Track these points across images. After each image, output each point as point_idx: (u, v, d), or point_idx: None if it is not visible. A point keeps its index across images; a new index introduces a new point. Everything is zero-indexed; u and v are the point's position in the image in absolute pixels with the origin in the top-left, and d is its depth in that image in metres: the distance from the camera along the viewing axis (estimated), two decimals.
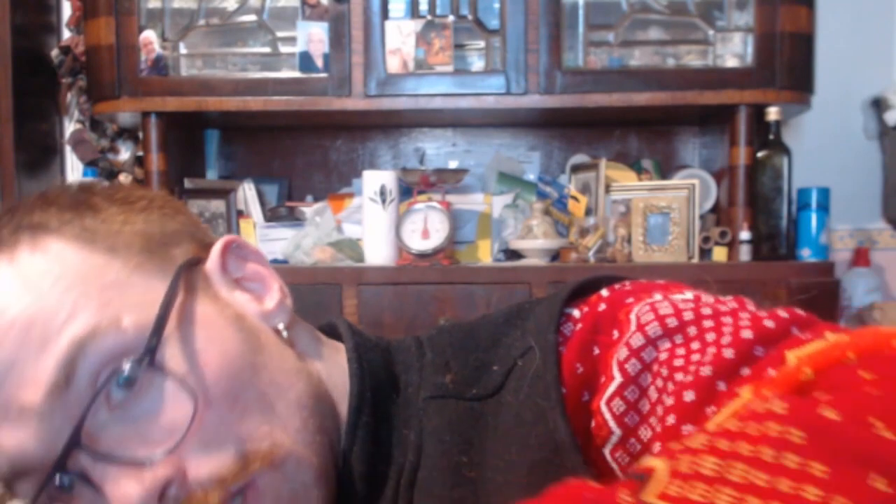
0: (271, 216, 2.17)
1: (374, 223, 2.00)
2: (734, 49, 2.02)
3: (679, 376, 0.46)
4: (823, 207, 2.03)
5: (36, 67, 2.29)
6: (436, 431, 0.56)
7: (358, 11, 1.98)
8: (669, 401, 0.46)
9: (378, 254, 1.99)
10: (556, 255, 2.05)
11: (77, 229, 0.53)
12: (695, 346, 0.47)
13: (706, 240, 2.00)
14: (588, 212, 2.08)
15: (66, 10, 2.36)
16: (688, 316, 0.49)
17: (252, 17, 2.07)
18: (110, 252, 0.53)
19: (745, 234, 1.95)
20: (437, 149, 2.36)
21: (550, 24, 1.97)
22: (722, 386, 0.44)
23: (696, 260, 1.97)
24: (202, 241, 0.59)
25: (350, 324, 0.63)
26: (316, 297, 1.87)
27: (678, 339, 0.48)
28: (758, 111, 1.98)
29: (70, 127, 2.38)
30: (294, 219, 2.15)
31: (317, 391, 0.57)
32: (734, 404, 0.42)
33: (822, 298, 1.87)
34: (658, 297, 0.51)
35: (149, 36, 2.00)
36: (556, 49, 1.97)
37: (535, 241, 2.02)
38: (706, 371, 0.45)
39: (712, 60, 2.03)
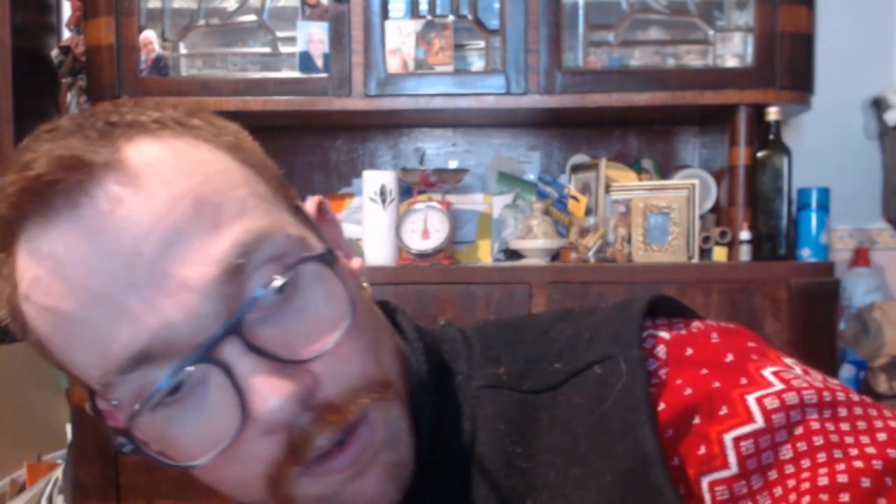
0: None
1: (374, 223, 2.00)
2: (734, 49, 2.02)
3: (837, 453, 0.47)
4: (823, 207, 2.03)
5: (36, 67, 2.29)
6: (489, 419, 0.56)
7: (358, 11, 1.98)
8: (843, 478, 0.46)
9: (378, 254, 1.99)
10: (556, 255, 2.05)
11: (215, 134, 0.53)
12: (845, 426, 0.49)
13: (706, 240, 2.00)
14: (588, 212, 2.08)
15: (66, 10, 2.36)
16: (840, 396, 0.50)
17: (252, 17, 2.07)
18: (252, 168, 0.53)
19: (745, 234, 1.95)
20: (437, 149, 2.36)
21: (550, 24, 1.97)
22: (889, 482, 0.45)
23: (696, 260, 1.98)
24: None
25: (402, 308, 0.65)
26: None
27: (827, 413, 0.49)
28: (758, 111, 1.98)
29: None
30: None
31: (400, 351, 0.58)
32: None
33: (822, 298, 1.87)
34: (788, 367, 0.53)
35: (149, 36, 2.00)
36: (556, 49, 1.97)
37: (535, 241, 2.02)
38: (877, 464, 0.46)
39: (712, 60, 2.03)
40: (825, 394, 0.50)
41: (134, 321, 0.47)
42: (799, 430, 0.48)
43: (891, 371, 2.15)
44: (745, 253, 1.95)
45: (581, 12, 2.05)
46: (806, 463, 0.48)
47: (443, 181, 2.01)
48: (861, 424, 0.49)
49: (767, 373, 0.51)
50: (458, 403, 0.58)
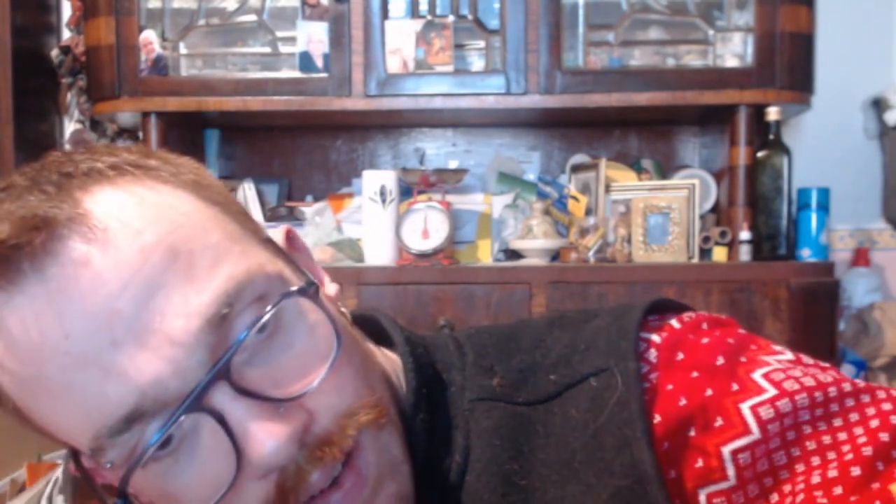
0: (271, 216, 2.17)
1: (374, 223, 2.00)
2: (734, 49, 2.02)
3: (831, 455, 0.48)
4: (823, 207, 2.03)
5: (36, 67, 2.29)
6: (484, 434, 0.56)
7: (358, 11, 1.98)
8: (832, 472, 0.47)
9: (378, 254, 1.99)
10: (556, 255, 2.05)
11: (175, 175, 0.51)
12: (837, 422, 0.49)
13: (706, 240, 2.00)
14: (588, 212, 2.08)
15: (66, 10, 2.36)
16: (832, 392, 0.50)
17: (252, 17, 2.07)
18: (219, 206, 0.51)
19: (745, 234, 1.95)
20: (437, 149, 2.36)
21: (550, 24, 1.97)
22: (880, 466, 0.47)
23: (696, 260, 1.97)
24: None
25: (392, 317, 0.63)
26: None
27: (819, 412, 0.50)
28: (758, 111, 1.98)
29: (70, 127, 2.38)
30: (294, 219, 2.15)
31: (386, 373, 0.57)
32: None
33: (822, 298, 1.86)
34: (774, 363, 0.52)
35: (149, 36, 2.00)
36: (556, 49, 1.97)
37: (535, 241, 2.02)
38: (868, 451, 0.47)
39: (712, 60, 2.03)
40: (817, 394, 0.50)
41: (121, 380, 0.45)
42: (791, 435, 0.49)
43: (891, 371, 2.15)
44: (745, 253, 1.95)
45: (581, 12, 2.05)
46: (800, 467, 0.48)
47: (443, 181, 2.01)
48: (853, 416, 0.49)
49: (758, 377, 0.51)
50: (450, 419, 0.57)
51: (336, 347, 0.49)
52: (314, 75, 1.99)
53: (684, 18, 2.06)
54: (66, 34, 2.35)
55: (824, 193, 2.04)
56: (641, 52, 2.09)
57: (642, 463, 0.50)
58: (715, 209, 2.10)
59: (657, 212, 1.99)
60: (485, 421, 0.56)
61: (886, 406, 0.49)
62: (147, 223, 0.47)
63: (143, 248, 0.46)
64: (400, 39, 1.99)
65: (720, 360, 0.52)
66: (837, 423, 0.49)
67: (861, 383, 0.52)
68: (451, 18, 2.00)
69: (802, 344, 1.83)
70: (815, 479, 0.48)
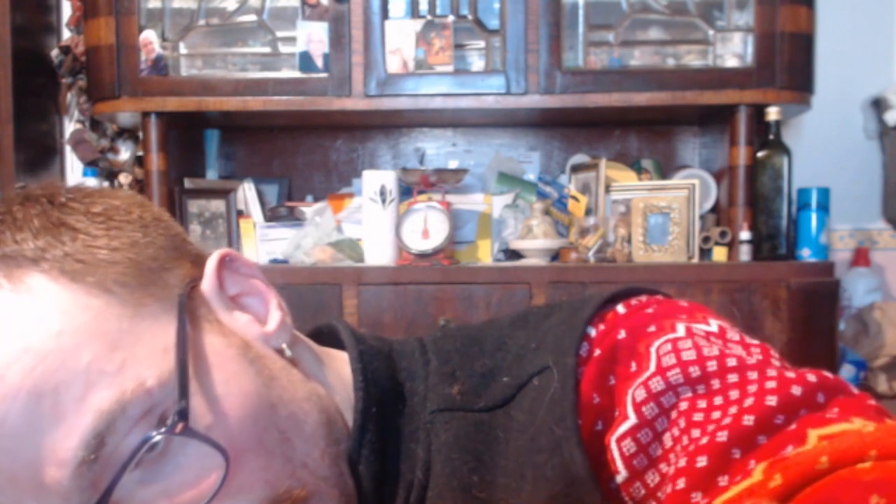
0: (271, 216, 2.17)
1: (374, 223, 2.00)
2: (734, 49, 2.02)
3: (696, 433, 0.45)
4: (823, 207, 2.03)
5: (36, 67, 2.29)
6: (444, 448, 0.54)
7: (358, 11, 1.98)
8: (682, 462, 0.44)
9: (378, 254, 1.99)
10: (556, 255, 2.05)
11: (59, 260, 0.48)
12: (717, 401, 0.46)
13: (706, 240, 2.00)
14: (588, 212, 2.08)
15: (66, 10, 2.36)
16: (711, 366, 0.47)
17: (252, 17, 2.07)
18: (105, 292, 0.48)
19: (745, 234, 1.95)
20: (437, 149, 2.36)
21: (550, 24, 1.97)
22: (737, 454, 0.43)
23: (696, 260, 1.98)
24: (190, 255, 0.54)
25: (352, 329, 0.60)
26: (316, 297, 1.87)
27: (700, 389, 0.47)
28: (758, 111, 1.98)
29: (70, 127, 2.38)
30: (294, 219, 2.15)
31: (328, 415, 0.54)
32: (744, 484, 0.41)
33: (822, 298, 1.86)
34: (681, 331, 0.49)
35: (149, 36, 2.00)
36: (556, 49, 1.97)
37: (535, 241, 2.02)
38: (722, 437, 0.43)
39: (712, 60, 2.03)
40: (692, 369, 0.47)
41: None
42: (673, 415, 0.46)
43: (891, 371, 2.15)
44: (745, 253, 1.95)
45: (581, 12, 2.05)
46: (678, 456, 0.45)
47: (443, 181, 2.01)
48: (733, 394, 0.45)
49: (653, 349, 0.49)
50: (408, 433, 0.55)
51: (222, 465, 0.47)
52: (314, 75, 1.99)
53: (684, 18, 2.06)
54: (66, 34, 2.35)
55: (824, 193, 2.04)
56: (641, 52, 2.10)
57: (573, 464, 0.48)
58: (715, 209, 2.10)
59: (657, 212, 1.99)
60: (444, 433, 0.54)
61: (770, 385, 0.45)
62: (10, 360, 0.45)
63: (6, 396, 0.45)
64: (400, 39, 1.99)
65: (622, 335, 0.51)
66: (718, 401, 0.45)
67: (754, 360, 0.47)
68: (451, 18, 2.01)
69: (802, 344, 1.83)
70: (671, 469, 0.45)
